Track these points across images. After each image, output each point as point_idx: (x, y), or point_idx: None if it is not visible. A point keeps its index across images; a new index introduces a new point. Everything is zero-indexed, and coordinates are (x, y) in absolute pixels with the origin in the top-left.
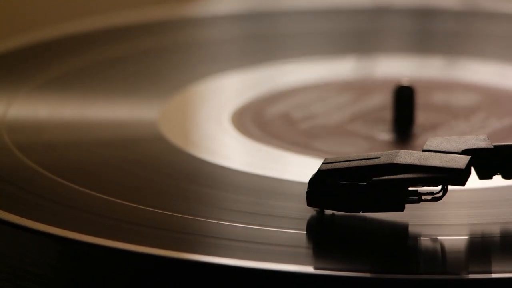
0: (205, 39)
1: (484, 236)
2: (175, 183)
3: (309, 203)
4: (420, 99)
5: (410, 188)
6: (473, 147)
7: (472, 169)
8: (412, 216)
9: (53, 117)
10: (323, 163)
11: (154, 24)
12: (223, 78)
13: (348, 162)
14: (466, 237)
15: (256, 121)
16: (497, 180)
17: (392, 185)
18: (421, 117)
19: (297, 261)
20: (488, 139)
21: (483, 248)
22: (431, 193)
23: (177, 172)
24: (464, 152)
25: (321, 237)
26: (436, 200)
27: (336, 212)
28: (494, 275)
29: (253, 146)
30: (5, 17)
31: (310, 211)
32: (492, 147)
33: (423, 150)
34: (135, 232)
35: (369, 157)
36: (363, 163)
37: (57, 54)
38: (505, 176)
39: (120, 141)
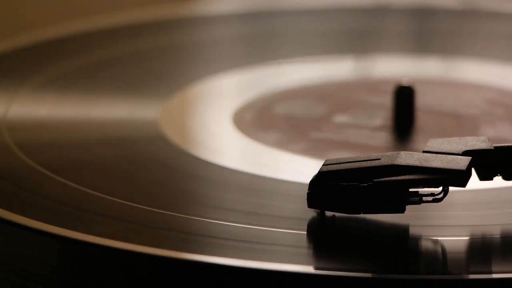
0: (205, 39)
1: (484, 237)
2: (175, 183)
3: (310, 205)
4: (420, 99)
5: (411, 190)
6: (474, 148)
7: (473, 170)
8: (413, 217)
9: (53, 116)
10: (323, 165)
11: (154, 24)
12: (223, 78)
13: (349, 164)
14: (467, 238)
15: (256, 121)
16: (498, 181)
17: (393, 186)
18: (421, 117)
19: (298, 261)
20: (489, 140)
21: (483, 248)
22: (432, 194)
23: (177, 172)
24: (465, 153)
25: (322, 238)
26: (437, 201)
27: (337, 213)
28: (494, 276)
29: (253, 146)
30: (5, 17)
31: (311, 212)
32: (493, 148)
33: (424, 151)
34: (135, 232)
35: (369, 158)
36: (363, 164)
37: (57, 54)
38: (506, 177)
39: (120, 141)
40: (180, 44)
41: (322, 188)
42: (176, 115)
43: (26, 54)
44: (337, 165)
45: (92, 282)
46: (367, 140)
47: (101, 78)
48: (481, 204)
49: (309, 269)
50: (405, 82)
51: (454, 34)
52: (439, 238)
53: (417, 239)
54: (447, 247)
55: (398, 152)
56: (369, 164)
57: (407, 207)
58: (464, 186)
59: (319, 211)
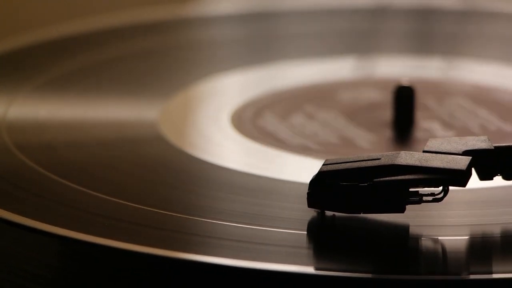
0: (205, 39)
1: (484, 237)
2: (175, 183)
3: (310, 205)
4: (420, 100)
5: (411, 189)
6: (474, 148)
7: (473, 170)
8: (413, 217)
9: (53, 117)
10: (323, 164)
11: (154, 24)
12: (223, 78)
13: (349, 163)
14: (466, 237)
15: (256, 121)
16: (498, 181)
17: (393, 186)
18: (421, 117)
19: (298, 261)
20: (489, 140)
21: (483, 248)
22: (432, 194)
23: (177, 172)
24: (465, 153)
25: (322, 238)
26: (437, 201)
27: (337, 213)
28: (494, 276)
29: (253, 147)
30: (5, 17)
31: (311, 212)
32: (493, 148)
33: (424, 151)
34: (135, 232)
35: (369, 158)
36: (363, 164)
37: (57, 54)
38: (506, 177)
39: (120, 141)
40: (180, 44)
41: (322, 187)
42: (176, 115)
43: (26, 54)
44: (337, 164)
45: (91, 282)
46: (367, 140)
47: (101, 79)
48: (481, 204)
49: (309, 269)
50: (405, 82)
51: (454, 35)
52: (439, 238)
53: (417, 239)
54: (447, 247)
55: (398, 152)
56: (369, 164)
57: (407, 207)
58: (464, 186)
59: (319, 211)
